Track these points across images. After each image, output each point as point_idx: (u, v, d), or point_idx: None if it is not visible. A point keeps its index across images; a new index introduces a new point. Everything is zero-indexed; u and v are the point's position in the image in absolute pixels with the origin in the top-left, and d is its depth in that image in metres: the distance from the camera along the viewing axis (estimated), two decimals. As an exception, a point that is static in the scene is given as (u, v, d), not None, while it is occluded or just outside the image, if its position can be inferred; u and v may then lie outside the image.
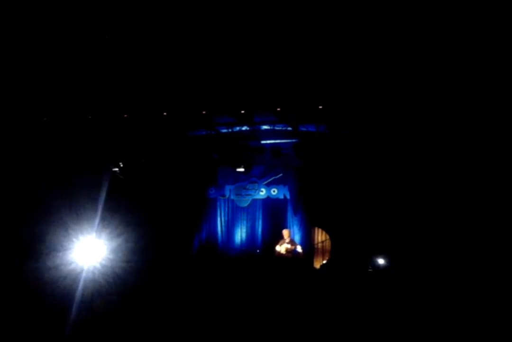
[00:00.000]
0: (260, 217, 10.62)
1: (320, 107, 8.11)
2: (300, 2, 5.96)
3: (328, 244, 9.92)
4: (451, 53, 6.52)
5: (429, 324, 5.47)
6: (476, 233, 7.57)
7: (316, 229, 10.13)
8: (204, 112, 8.77)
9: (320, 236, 10.10)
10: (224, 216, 10.95)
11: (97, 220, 9.40)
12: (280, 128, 9.78)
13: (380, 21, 6.12)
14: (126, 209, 10.21)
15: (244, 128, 9.95)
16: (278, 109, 8.37)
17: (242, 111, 8.64)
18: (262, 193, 10.64)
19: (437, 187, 8.23)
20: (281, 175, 10.47)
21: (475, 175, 7.81)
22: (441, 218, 8.09)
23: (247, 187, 10.78)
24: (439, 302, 6.09)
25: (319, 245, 10.02)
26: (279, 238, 9.58)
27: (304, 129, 9.56)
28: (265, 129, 9.96)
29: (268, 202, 10.64)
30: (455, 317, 5.57)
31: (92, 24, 6.38)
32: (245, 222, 10.72)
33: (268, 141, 10.14)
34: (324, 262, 9.68)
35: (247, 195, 10.77)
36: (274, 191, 10.54)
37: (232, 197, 10.94)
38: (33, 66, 7.52)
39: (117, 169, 10.13)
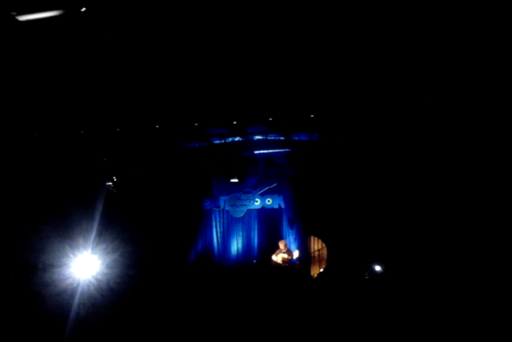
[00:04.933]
0: (256, 227, 10.58)
1: (312, 116, 8.17)
2: (289, 14, 6.04)
3: (324, 252, 9.90)
4: (443, 58, 6.60)
5: (426, 331, 5.46)
6: (471, 240, 7.60)
7: (312, 237, 10.12)
8: (196, 124, 8.81)
9: (316, 244, 10.08)
10: (220, 227, 10.91)
11: (92, 235, 9.37)
12: (273, 138, 9.83)
13: (368, 30, 6.21)
14: (121, 223, 10.17)
15: (236, 139, 9.99)
16: (270, 119, 8.42)
17: (234, 122, 8.69)
18: (257, 203, 10.64)
19: (433, 194, 8.26)
20: (275, 184, 10.48)
21: (470, 185, 7.85)
22: (437, 225, 8.12)
23: (242, 197, 10.77)
24: (436, 309, 6.08)
25: (316, 253, 10.00)
26: (275, 248, 9.56)
27: (296, 138, 9.62)
28: (258, 140, 10.01)
29: (263, 212, 10.62)
30: (451, 323, 5.57)
31: (83, 37, 6.38)
32: (240, 233, 10.69)
33: (261, 151, 10.18)
34: (321, 270, 9.66)
35: (242, 205, 10.75)
36: (268, 201, 10.54)
37: (227, 208, 10.92)
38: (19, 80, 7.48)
39: (111, 183, 10.11)
